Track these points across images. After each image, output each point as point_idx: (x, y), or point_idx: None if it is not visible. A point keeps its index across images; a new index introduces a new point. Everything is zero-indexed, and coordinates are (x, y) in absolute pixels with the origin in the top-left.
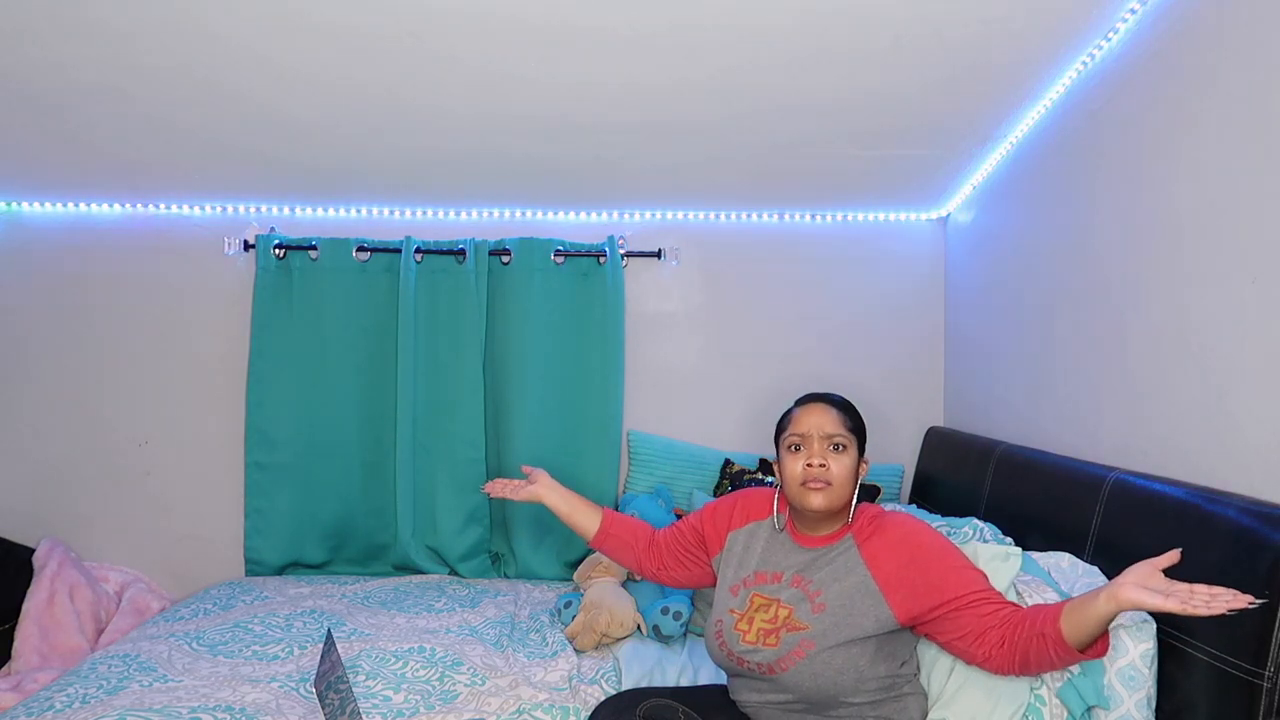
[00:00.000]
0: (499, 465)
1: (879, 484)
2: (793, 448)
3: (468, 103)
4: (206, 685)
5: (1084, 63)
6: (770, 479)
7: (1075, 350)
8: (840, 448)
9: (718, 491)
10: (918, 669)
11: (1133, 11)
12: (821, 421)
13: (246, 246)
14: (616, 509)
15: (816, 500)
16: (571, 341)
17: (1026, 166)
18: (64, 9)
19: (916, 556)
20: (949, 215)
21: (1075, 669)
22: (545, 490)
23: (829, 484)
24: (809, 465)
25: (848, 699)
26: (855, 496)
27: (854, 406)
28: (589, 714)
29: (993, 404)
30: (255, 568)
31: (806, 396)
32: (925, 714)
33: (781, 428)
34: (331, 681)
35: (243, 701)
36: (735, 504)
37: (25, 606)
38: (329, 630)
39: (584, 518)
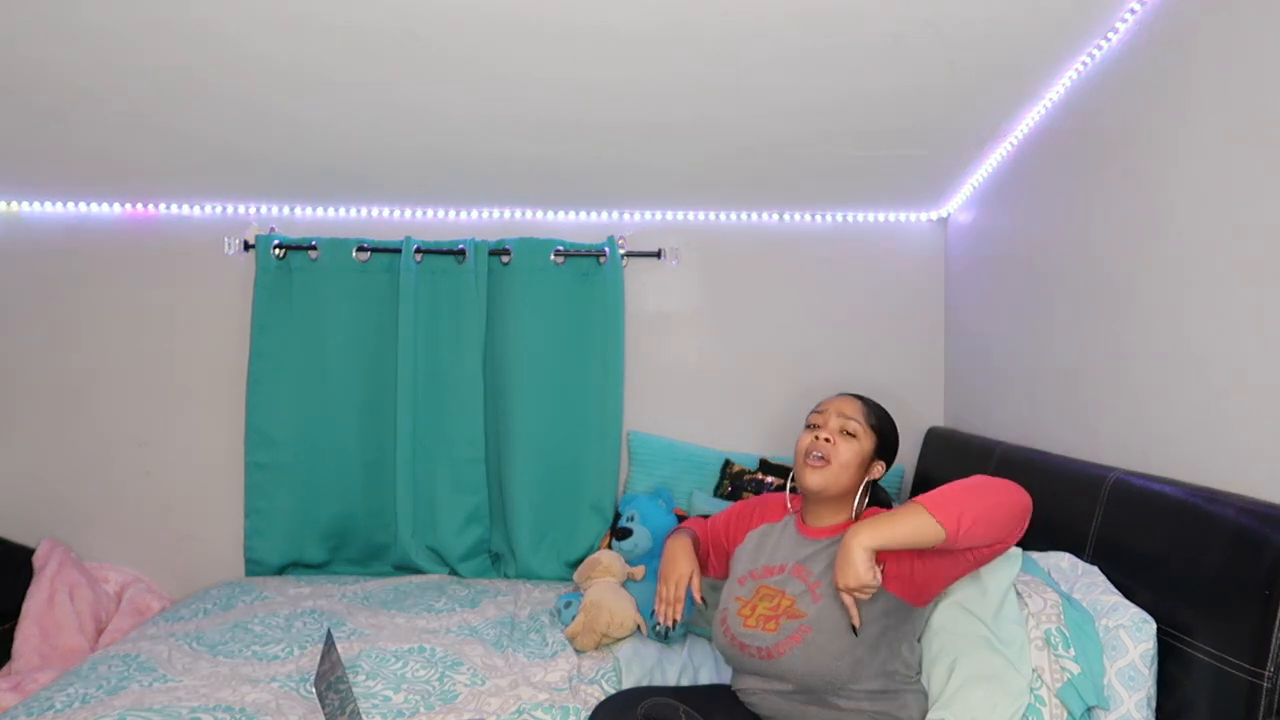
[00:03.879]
0: (499, 465)
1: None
2: (810, 425)
3: (468, 102)
4: (206, 685)
5: (1084, 63)
6: (770, 479)
7: (1075, 350)
8: (851, 435)
9: (717, 492)
10: (919, 669)
11: (1133, 11)
12: (842, 406)
13: (246, 246)
14: (616, 509)
15: (813, 478)
16: (571, 341)
17: (1026, 166)
18: (63, 10)
19: None
20: (949, 215)
21: (1075, 669)
22: (695, 568)
23: (828, 462)
24: (816, 439)
25: (846, 688)
26: (862, 492)
27: (887, 414)
28: (589, 714)
29: (993, 404)
30: (255, 568)
31: (843, 391)
32: (924, 713)
33: (811, 410)
34: (331, 681)
35: (243, 701)
36: (755, 507)
37: (25, 607)
38: (329, 630)
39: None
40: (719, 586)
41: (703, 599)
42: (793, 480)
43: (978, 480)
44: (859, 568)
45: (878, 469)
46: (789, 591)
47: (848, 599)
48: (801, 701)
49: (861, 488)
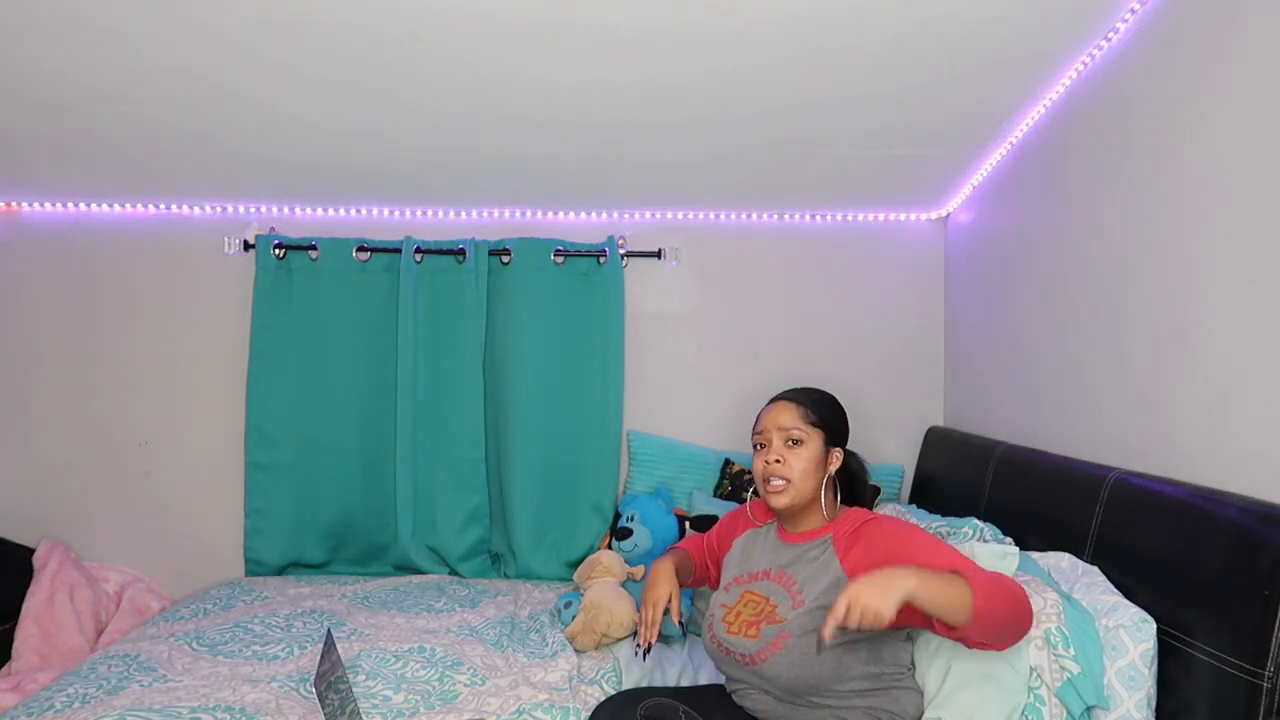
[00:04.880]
0: (499, 465)
1: (879, 484)
2: (757, 446)
3: (468, 103)
4: (206, 685)
5: (1084, 63)
6: None
7: (1075, 350)
8: (796, 443)
9: (717, 492)
10: (912, 665)
11: (1132, 11)
12: (778, 418)
13: (246, 246)
14: (616, 509)
15: (777, 500)
16: (571, 341)
17: (1026, 166)
18: (64, 10)
19: (886, 544)
20: (949, 215)
21: (1075, 669)
22: (674, 590)
23: (788, 481)
24: (766, 463)
25: (831, 689)
26: (829, 490)
27: (824, 398)
28: (589, 714)
29: (993, 404)
30: (255, 568)
31: (775, 395)
32: (920, 710)
33: (753, 429)
34: (331, 681)
35: (243, 701)
36: (740, 515)
37: (25, 606)
38: (329, 630)
39: (687, 575)
40: (709, 595)
41: (680, 621)
42: (753, 492)
43: (1016, 588)
44: (888, 601)
45: (835, 458)
46: (771, 597)
47: (839, 616)
48: (790, 703)
49: (825, 484)
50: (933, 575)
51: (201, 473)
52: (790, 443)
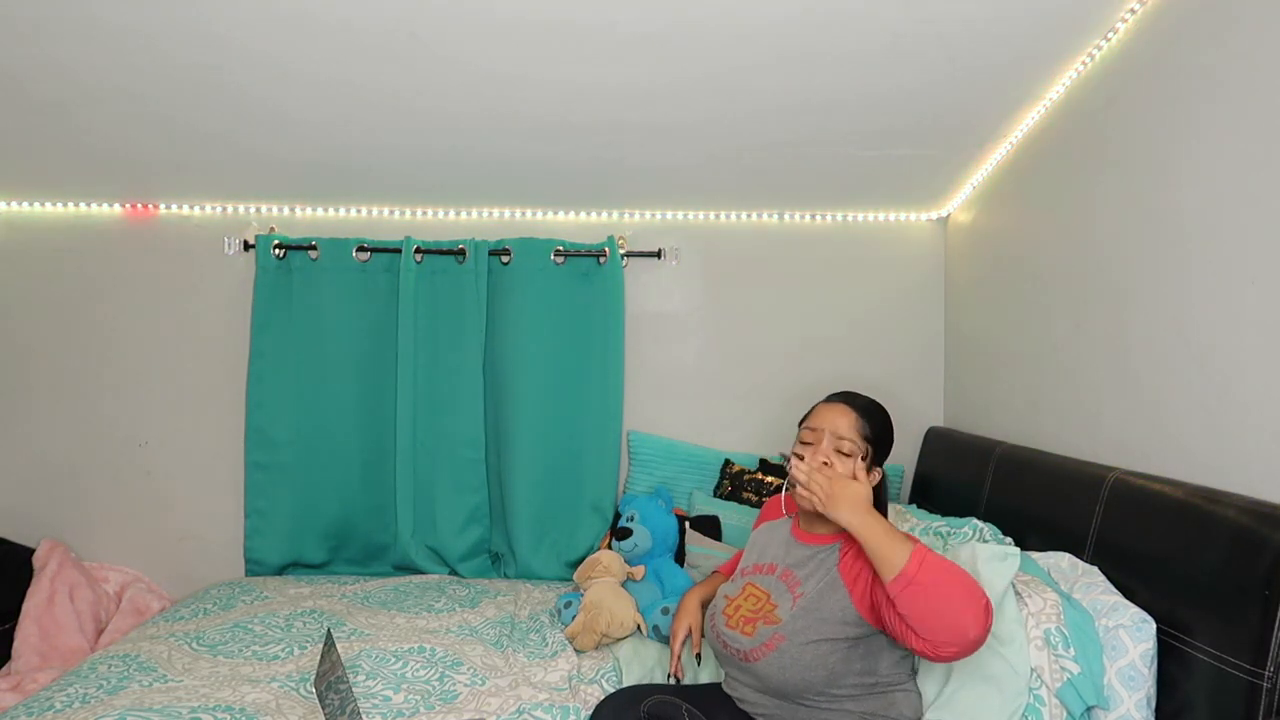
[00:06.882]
0: (499, 465)
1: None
2: (803, 441)
3: (468, 102)
4: (206, 685)
5: (1084, 63)
6: (770, 479)
7: (1075, 350)
8: (846, 454)
9: (717, 492)
10: (914, 670)
11: (1132, 11)
12: (836, 422)
13: (246, 246)
14: (616, 509)
15: (807, 505)
16: (571, 341)
17: (1026, 166)
18: (64, 8)
19: None
20: (949, 215)
21: (1075, 669)
22: (694, 622)
23: None
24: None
25: (825, 692)
26: None
27: (883, 416)
28: (590, 712)
29: (993, 404)
30: (255, 568)
31: (837, 394)
32: (919, 713)
33: (803, 419)
34: (331, 681)
35: (243, 701)
36: (774, 503)
37: (25, 606)
38: (329, 630)
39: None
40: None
41: (698, 654)
42: (788, 485)
43: (968, 581)
44: (837, 502)
45: (875, 476)
46: (773, 594)
47: (801, 475)
48: (782, 703)
49: None
50: (885, 523)
51: (201, 473)
52: (838, 451)
